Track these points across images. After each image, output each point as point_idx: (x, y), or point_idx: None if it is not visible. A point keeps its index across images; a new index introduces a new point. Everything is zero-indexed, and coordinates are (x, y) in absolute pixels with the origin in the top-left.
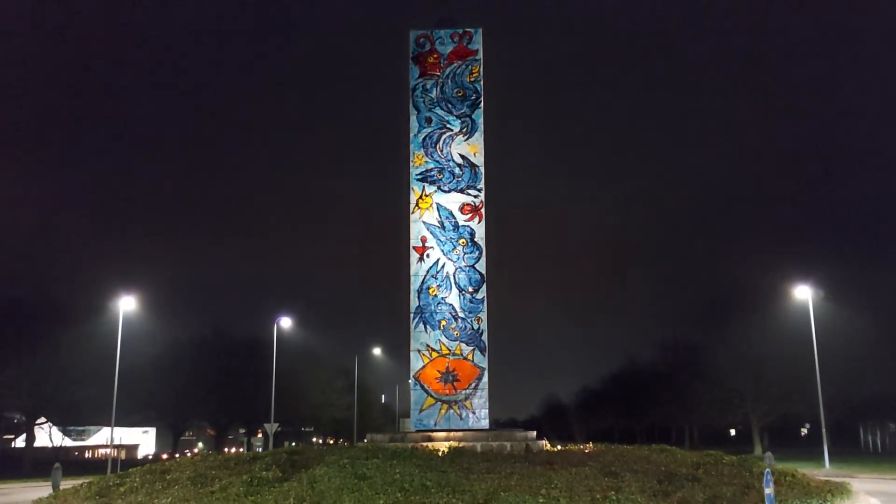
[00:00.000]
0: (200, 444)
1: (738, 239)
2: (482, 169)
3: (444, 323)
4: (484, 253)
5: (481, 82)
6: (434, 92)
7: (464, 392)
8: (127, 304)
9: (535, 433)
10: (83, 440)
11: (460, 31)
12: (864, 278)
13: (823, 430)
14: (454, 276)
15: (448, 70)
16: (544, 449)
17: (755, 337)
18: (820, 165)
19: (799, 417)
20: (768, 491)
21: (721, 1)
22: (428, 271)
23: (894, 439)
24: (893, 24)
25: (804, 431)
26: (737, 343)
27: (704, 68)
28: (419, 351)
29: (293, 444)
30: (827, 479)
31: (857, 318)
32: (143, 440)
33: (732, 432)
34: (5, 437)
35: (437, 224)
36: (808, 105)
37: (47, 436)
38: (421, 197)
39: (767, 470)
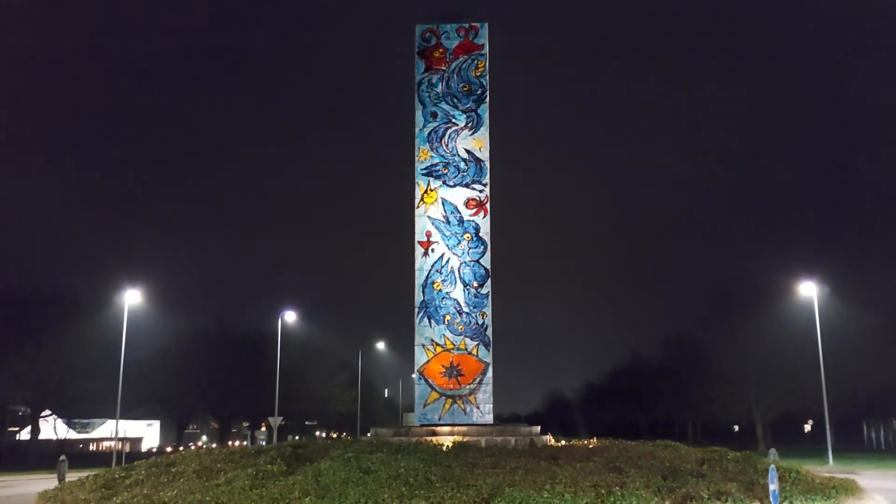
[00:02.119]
0: (204, 438)
1: (742, 235)
2: (487, 164)
3: (448, 318)
4: (489, 248)
5: (487, 77)
6: (439, 86)
7: (468, 387)
8: (132, 298)
9: (539, 428)
10: (87, 433)
11: (466, 25)
12: (869, 275)
13: (827, 427)
14: (459, 271)
15: (454, 64)
16: (548, 444)
17: (759, 333)
18: (825, 161)
19: (803, 414)
20: (773, 487)
21: None
22: (433, 266)
23: None
24: None
25: (808, 428)
26: (741, 339)
27: (712, 63)
28: (423, 345)
29: (297, 437)
30: (830, 475)
31: (861, 315)
32: (147, 433)
33: (736, 428)
34: (10, 429)
35: (442, 219)
36: (813, 101)
37: (52, 428)
38: (426, 192)
39: (772, 466)
